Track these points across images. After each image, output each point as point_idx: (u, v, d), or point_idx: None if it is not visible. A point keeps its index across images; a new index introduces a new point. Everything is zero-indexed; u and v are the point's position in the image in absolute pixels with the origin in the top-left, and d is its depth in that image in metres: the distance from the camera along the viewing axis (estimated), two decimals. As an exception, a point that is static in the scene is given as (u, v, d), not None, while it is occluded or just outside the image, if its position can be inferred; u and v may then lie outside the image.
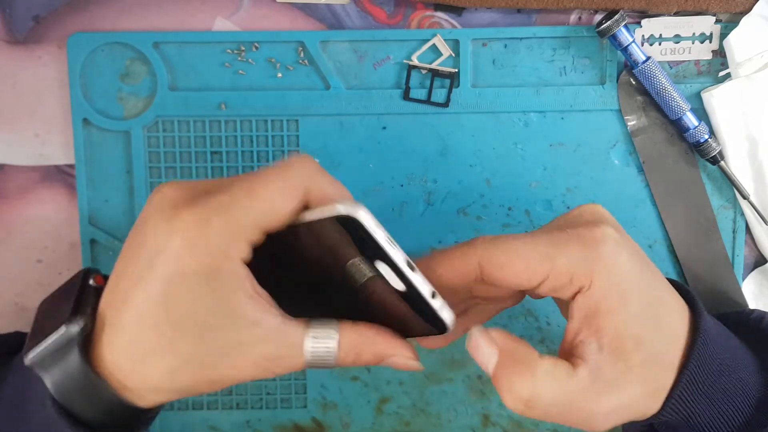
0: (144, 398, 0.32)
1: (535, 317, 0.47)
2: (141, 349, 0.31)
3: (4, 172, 0.46)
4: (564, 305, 0.36)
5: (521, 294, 0.36)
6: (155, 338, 0.30)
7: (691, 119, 0.43)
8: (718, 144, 0.44)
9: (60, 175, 0.46)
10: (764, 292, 0.46)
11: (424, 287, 0.30)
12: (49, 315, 0.33)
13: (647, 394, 0.32)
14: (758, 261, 0.46)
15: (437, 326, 0.32)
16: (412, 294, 0.30)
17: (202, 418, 0.47)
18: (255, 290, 0.31)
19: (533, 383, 0.31)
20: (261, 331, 0.31)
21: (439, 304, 0.31)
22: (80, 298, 0.33)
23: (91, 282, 0.34)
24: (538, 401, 0.31)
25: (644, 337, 0.31)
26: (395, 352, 0.32)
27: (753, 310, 0.42)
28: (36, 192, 0.46)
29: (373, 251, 0.30)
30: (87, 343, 0.32)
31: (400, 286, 0.30)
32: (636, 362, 0.31)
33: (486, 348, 0.32)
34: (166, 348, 0.30)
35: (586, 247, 0.32)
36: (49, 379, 0.31)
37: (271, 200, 0.30)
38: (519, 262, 0.32)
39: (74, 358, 0.31)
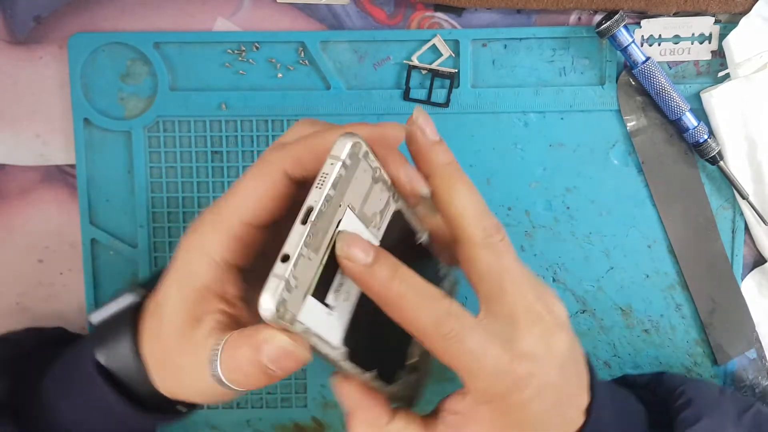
0: (160, 383, 0.33)
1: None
2: (151, 334, 0.33)
3: (5, 172, 0.46)
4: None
5: None
6: (156, 326, 0.33)
7: (690, 119, 0.44)
8: (718, 144, 0.44)
9: (61, 175, 0.46)
10: (763, 292, 0.46)
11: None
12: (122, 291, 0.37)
13: None
14: (757, 261, 0.46)
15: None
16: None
17: (203, 417, 0.47)
18: (224, 299, 0.31)
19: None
20: (202, 354, 0.30)
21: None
22: (154, 276, 0.35)
23: None
24: None
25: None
26: (262, 336, 0.28)
27: (662, 374, 0.43)
28: (37, 192, 0.46)
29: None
30: (139, 318, 0.34)
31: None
32: None
33: (343, 398, 0.31)
34: (155, 336, 0.32)
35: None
36: (101, 347, 0.34)
37: (246, 190, 0.31)
38: None
39: (126, 326, 0.34)
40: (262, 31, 0.45)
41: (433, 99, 0.45)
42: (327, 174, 0.27)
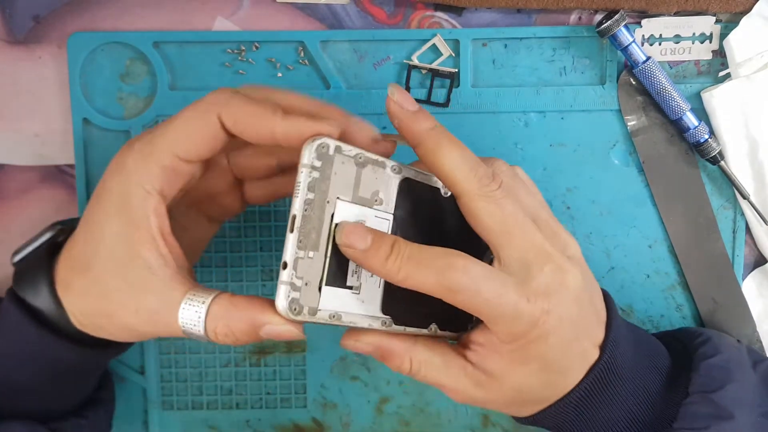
0: (74, 317, 0.34)
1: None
2: (68, 264, 0.34)
3: (4, 172, 0.46)
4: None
5: None
6: (78, 256, 0.33)
7: (691, 119, 0.43)
8: (718, 144, 0.44)
9: (60, 175, 0.46)
10: (764, 293, 0.46)
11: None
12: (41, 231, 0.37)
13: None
14: (758, 261, 0.46)
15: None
16: None
17: (202, 417, 0.47)
18: (161, 231, 0.32)
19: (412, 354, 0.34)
20: (150, 279, 0.32)
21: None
22: (76, 219, 0.37)
23: None
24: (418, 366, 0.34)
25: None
26: (267, 320, 0.31)
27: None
28: (36, 192, 0.46)
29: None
30: (55, 255, 0.35)
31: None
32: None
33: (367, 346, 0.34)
34: (81, 267, 0.33)
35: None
36: (18, 282, 0.35)
37: (181, 126, 0.32)
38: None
39: (42, 261, 0.35)
40: (262, 31, 0.44)
41: (433, 99, 0.45)
42: (299, 182, 0.30)
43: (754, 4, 0.43)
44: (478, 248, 0.34)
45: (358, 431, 0.48)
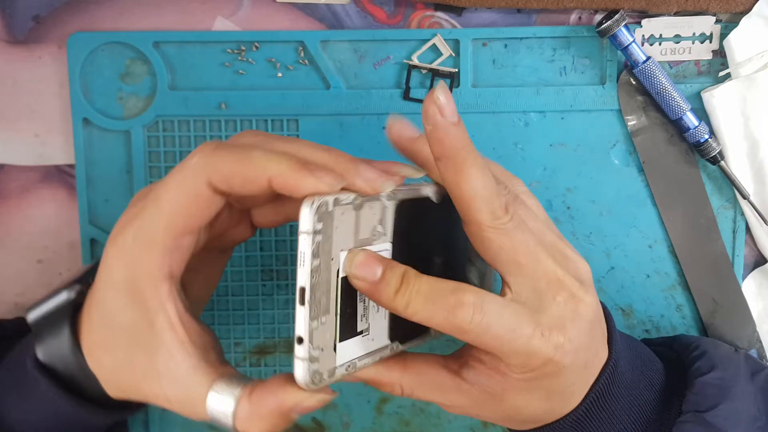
0: (106, 386, 0.33)
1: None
2: (94, 339, 0.33)
3: (4, 172, 0.46)
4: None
5: None
6: (102, 334, 0.32)
7: (691, 119, 0.43)
8: (718, 144, 0.44)
9: (60, 175, 0.46)
10: (764, 293, 0.46)
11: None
12: (58, 287, 0.35)
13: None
14: (758, 261, 0.46)
15: None
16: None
17: (202, 417, 0.47)
18: (179, 317, 0.31)
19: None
20: (175, 369, 0.31)
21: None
22: (89, 271, 0.35)
23: None
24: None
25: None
26: (293, 400, 0.30)
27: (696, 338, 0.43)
28: (36, 192, 0.46)
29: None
30: (78, 314, 0.34)
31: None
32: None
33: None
34: (107, 346, 0.32)
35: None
36: (40, 344, 0.33)
37: (172, 202, 0.30)
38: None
39: (64, 324, 0.33)
40: (262, 31, 0.44)
41: (434, 99, 0.45)
42: (303, 252, 0.28)
43: (754, 4, 0.43)
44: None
45: (358, 431, 0.48)
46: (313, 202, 0.27)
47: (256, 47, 0.44)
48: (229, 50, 0.44)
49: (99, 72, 0.45)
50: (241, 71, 0.45)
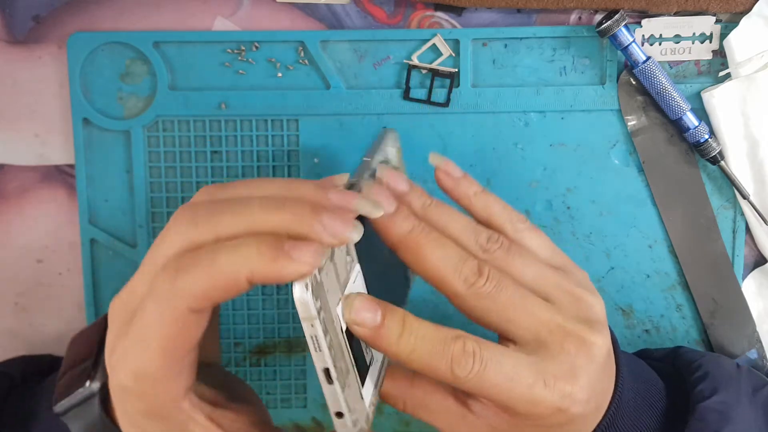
0: None
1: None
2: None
3: (4, 172, 0.46)
4: None
5: None
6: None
7: (691, 119, 0.43)
8: (718, 144, 0.44)
9: (60, 175, 0.46)
10: (764, 293, 0.46)
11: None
12: (77, 361, 0.33)
13: None
14: (758, 261, 0.46)
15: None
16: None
17: (202, 417, 0.47)
18: (209, 418, 0.30)
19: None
20: None
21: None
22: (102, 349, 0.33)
23: None
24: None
25: None
26: None
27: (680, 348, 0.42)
28: (36, 192, 0.46)
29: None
30: (108, 396, 0.32)
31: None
32: None
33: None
34: None
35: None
36: (75, 427, 0.32)
37: (161, 339, 0.28)
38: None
39: (95, 410, 0.32)
40: (262, 31, 0.44)
41: (433, 99, 0.45)
42: (315, 336, 0.26)
43: (754, 4, 0.43)
44: None
45: (358, 431, 0.48)
46: (306, 286, 0.25)
47: (256, 47, 0.44)
48: (229, 50, 0.44)
49: (99, 72, 0.45)
50: (241, 71, 0.45)
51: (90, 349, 0.33)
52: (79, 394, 0.32)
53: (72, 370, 0.33)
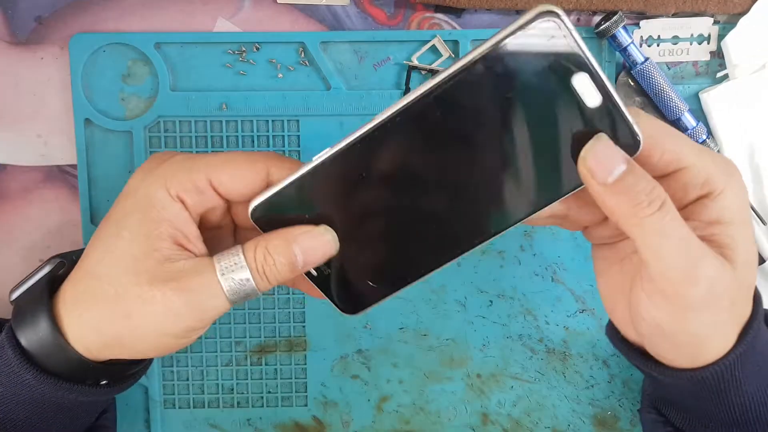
0: (86, 349, 0.32)
1: (534, 316, 0.47)
2: (80, 290, 0.32)
3: (7, 173, 0.46)
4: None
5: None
6: (90, 283, 0.32)
7: (689, 120, 0.44)
8: (716, 144, 0.44)
9: (62, 175, 0.46)
10: (764, 293, 0.46)
11: (620, 98, 0.29)
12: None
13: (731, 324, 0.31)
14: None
15: (629, 141, 0.29)
16: (605, 109, 0.29)
17: (204, 416, 0.48)
18: (185, 234, 0.32)
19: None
20: (173, 266, 0.31)
21: (632, 116, 0.29)
22: (74, 252, 0.35)
23: None
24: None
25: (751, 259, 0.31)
26: (300, 234, 0.32)
27: None
28: (38, 192, 0.46)
29: (569, 63, 0.28)
30: (55, 292, 0.33)
31: (595, 101, 0.29)
32: (744, 284, 0.31)
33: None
34: (95, 292, 0.31)
35: (726, 163, 0.31)
36: (18, 324, 0.33)
37: (228, 160, 0.32)
38: (673, 145, 0.30)
39: (43, 299, 0.33)
40: (263, 32, 0.45)
41: (433, 99, 0.45)
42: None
43: (752, 5, 0.43)
44: None
45: (358, 430, 0.48)
46: None
47: (257, 48, 0.45)
48: (230, 51, 0.45)
49: (101, 73, 0.45)
50: (242, 72, 0.45)
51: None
52: (33, 278, 0.34)
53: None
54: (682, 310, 0.30)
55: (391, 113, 0.30)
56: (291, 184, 0.31)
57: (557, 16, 0.28)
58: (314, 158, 0.31)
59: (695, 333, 0.31)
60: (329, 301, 0.34)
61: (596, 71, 0.28)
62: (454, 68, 0.29)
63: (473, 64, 0.29)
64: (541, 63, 0.29)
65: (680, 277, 0.29)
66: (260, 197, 0.32)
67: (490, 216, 0.31)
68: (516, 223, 0.32)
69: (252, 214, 0.32)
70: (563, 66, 0.29)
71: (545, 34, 0.28)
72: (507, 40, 0.28)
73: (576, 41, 0.28)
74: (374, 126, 0.30)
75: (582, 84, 0.29)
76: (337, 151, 0.31)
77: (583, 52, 0.28)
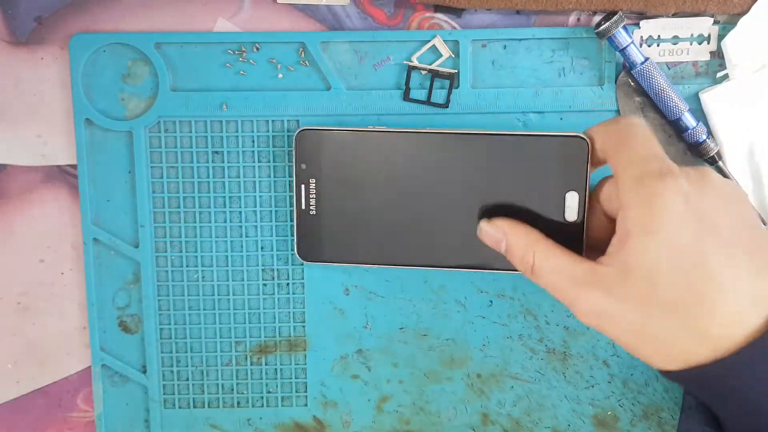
0: None
1: (534, 316, 0.47)
2: None
3: (7, 173, 0.46)
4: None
5: None
6: None
7: (689, 120, 0.44)
8: (716, 144, 0.44)
9: (62, 175, 0.46)
10: None
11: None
12: None
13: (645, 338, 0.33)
14: (756, 260, 0.47)
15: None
16: (577, 225, 0.39)
17: (204, 416, 0.48)
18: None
19: (534, 255, 0.36)
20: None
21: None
22: None
23: None
24: (539, 270, 0.36)
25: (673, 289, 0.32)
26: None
27: None
28: (38, 192, 0.46)
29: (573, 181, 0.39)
30: None
31: (572, 217, 0.39)
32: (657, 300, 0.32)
33: (494, 233, 0.38)
34: None
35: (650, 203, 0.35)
36: None
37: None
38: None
39: None
40: (263, 32, 0.45)
41: (433, 99, 0.45)
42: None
43: (752, 5, 0.43)
44: None
45: (358, 430, 0.48)
46: None
47: (257, 48, 0.45)
48: (230, 51, 0.45)
49: (101, 73, 0.45)
50: (242, 72, 0.45)
51: None
52: None
53: None
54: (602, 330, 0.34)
55: (443, 131, 0.41)
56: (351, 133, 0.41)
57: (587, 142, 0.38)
58: (370, 127, 0.41)
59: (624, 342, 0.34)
60: (294, 238, 0.39)
61: (585, 198, 0.39)
62: (494, 132, 0.40)
63: (511, 136, 0.40)
64: (556, 166, 0.39)
65: (566, 303, 0.34)
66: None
67: (451, 247, 0.41)
68: (464, 267, 0.42)
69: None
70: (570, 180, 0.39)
71: (572, 149, 0.38)
72: (542, 138, 0.39)
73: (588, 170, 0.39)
74: (426, 132, 0.41)
75: (572, 200, 0.39)
76: (395, 132, 0.41)
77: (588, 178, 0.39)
